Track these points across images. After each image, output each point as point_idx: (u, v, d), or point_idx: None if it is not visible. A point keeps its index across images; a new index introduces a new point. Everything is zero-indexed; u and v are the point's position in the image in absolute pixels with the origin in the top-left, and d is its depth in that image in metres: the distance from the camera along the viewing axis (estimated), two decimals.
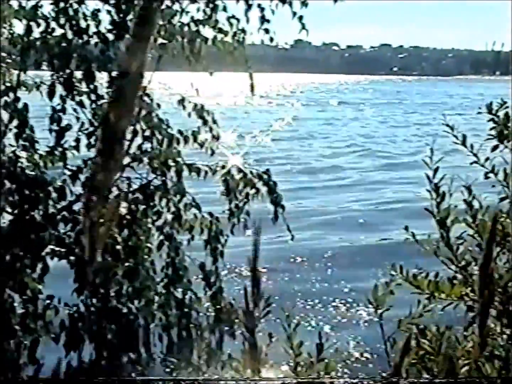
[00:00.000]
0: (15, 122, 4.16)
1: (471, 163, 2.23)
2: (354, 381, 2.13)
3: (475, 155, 2.22)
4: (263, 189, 4.58)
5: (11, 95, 4.15)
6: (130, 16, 4.30)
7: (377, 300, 1.88)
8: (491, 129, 2.27)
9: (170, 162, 4.46)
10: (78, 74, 4.31)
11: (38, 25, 4.17)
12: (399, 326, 1.88)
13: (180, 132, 4.58)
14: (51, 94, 4.29)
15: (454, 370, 1.57)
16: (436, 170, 2.10)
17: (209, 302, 4.60)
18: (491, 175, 2.20)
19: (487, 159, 2.20)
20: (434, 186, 2.11)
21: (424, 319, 1.92)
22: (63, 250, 4.22)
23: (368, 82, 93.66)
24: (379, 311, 1.89)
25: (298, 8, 4.50)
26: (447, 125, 2.23)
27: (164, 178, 4.48)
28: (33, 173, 4.18)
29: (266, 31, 4.61)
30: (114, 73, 4.31)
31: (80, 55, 4.26)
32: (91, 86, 4.32)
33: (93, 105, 4.37)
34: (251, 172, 4.58)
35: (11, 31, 4.20)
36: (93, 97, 4.35)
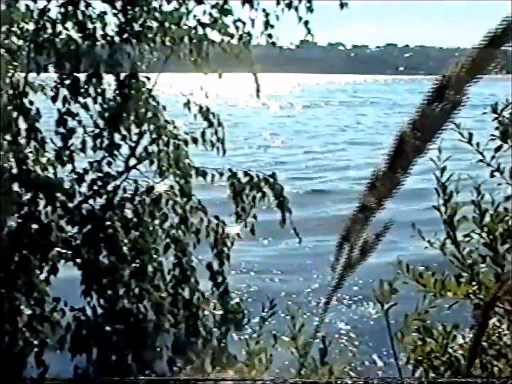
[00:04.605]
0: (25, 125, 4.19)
1: (478, 161, 2.22)
2: (360, 381, 2.12)
3: (480, 153, 2.21)
4: (270, 193, 4.55)
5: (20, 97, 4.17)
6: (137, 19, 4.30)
7: (382, 296, 1.88)
8: (496, 129, 2.27)
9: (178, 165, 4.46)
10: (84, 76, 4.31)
11: (45, 28, 4.18)
12: (405, 323, 1.88)
13: (187, 133, 4.58)
14: (54, 97, 4.30)
15: None
16: (443, 169, 2.09)
17: (217, 301, 4.57)
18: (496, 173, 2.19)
19: (493, 157, 2.19)
20: (441, 185, 2.10)
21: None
22: (70, 252, 4.22)
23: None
24: (385, 307, 1.89)
25: (304, 13, 4.51)
26: (453, 123, 2.22)
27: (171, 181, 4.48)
28: (41, 174, 4.20)
29: (270, 36, 4.61)
30: (121, 76, 4.34)
31: (88, 58, 4.26)
32: (98, 89, 4.33)
33: (100, 108, 4.38)
34: (257, 176, 4.56)
35: (20, 26, 4.20)
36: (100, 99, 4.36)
